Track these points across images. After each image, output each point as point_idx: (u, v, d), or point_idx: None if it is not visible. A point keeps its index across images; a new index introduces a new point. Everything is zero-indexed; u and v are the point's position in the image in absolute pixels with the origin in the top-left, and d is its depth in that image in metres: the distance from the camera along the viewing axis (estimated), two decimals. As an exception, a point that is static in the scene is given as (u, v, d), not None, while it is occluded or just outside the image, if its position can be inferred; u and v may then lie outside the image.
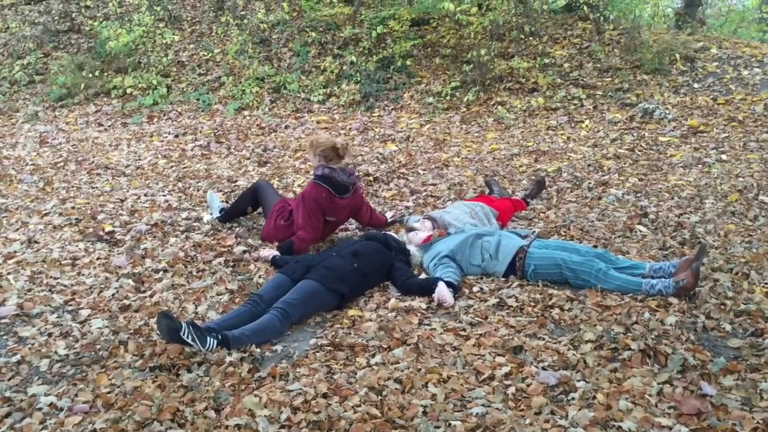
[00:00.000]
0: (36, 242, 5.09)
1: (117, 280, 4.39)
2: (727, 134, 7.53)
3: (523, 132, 8.29)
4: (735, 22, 14.02)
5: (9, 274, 4.45)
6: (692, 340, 3.39)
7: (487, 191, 5.99)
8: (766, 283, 4.01)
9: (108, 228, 5.30)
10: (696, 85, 8.99)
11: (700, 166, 6.63)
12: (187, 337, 3.32)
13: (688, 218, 5.22)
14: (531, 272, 4.19)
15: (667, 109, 8.36)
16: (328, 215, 4.82)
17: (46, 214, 5.73)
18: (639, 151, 7.27)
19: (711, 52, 9.74)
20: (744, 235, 4.85)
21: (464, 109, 9.28)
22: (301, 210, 4.76)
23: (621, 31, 10.48)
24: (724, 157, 6.84)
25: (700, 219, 5.20)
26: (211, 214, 5.53)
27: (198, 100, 10.02)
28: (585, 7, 10.31)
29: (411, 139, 8.20)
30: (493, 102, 9.31)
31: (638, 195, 5.86)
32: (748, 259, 4.35)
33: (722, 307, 3.73)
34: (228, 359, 3.29)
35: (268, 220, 5.08)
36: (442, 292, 3.95)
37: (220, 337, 3.40)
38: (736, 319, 3.60)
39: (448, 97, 9.57)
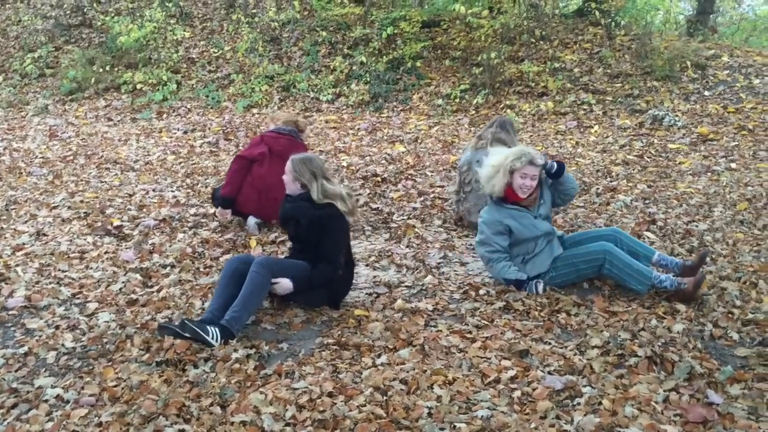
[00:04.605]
0: (44, 235, 5.11)
1: (124, 275, 4.41)
2: (736, 143, 7.51)
3: (531, 136, 8.28)
4: (747, 30, 13.98)
5: (17, 265, 4.47)
6: (699, 348, 3.38)
7: None
8: (774, 293, 4.00)
9: (116, 222, 5.32)
10: (706, 93, 8.96)
11: (709, 174, 6.61)
12: (190, 335, 3.40)
13: (697, 226, 5.21)
14: (549, 278, 4.16)
15: (676, 116, 8.34)
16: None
17: (54, 207, 5.75)
18: (648, 157, 7.25)
19: (722, 60, 9.71)
20: (753, 244, 4.83)
21: (473, 112, 9.28)
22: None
23: (632, 37, 10.46)
24: (733, 165, 6.82)
25: (709, 227, 5.18)
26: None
27: (207, 96, 10.04)
28: (596, 13, 10.30)
29: (419, 141, 8.20)
30: (502, 105, 9.30)
31: (647, 201, 5.85)
32: (757, 269, 4.33)
33: (730, 315, 3.72)
34: (234, 356, 3.29)
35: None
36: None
37: (219, 326, 3.46)
38: (744, 328, 3.59)
39: (457, 100, 9.57)
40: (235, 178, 5.24)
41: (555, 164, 4.14)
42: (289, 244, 5.01)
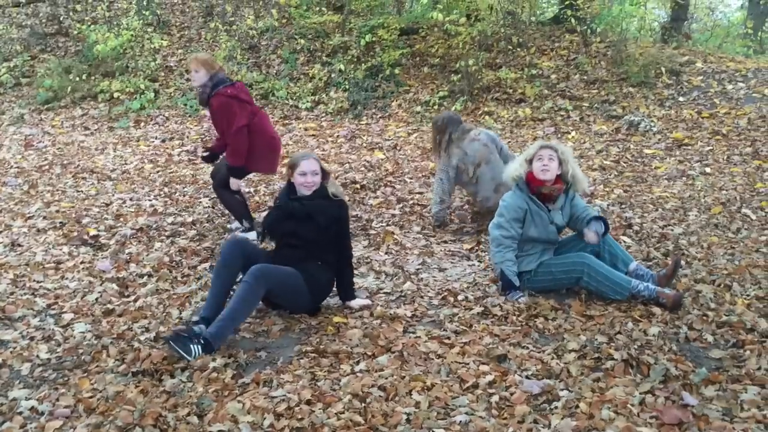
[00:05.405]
0: (19, 245, 5.05)
1: (101, 285, 4.37)
2: (711, 147, 7.61)
3: (509, 142, 8.32)
4: (720, 37, 14.18)
5: (-9, 277, 4.42)
6: (674, 351, 3.42)
7: None
8: (748, 295, 4.05)
9: (92, 232, 5.28)
10: (681, 99, 9.08)
11: (684, 178, 6.70)
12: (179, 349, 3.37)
13: (672, 230, 5.27)
14: (525, 280, 4.20)
15: (652, 121, 8.44)
16: None
17: (30, 218, 5.68)
18: (624, 162, 7.33)
19: (696, 66, 9.85)
20: (727, 247, 4.90)
21: (452, 119, 9.30)
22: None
23: (608, 43, 10.58)
24: (708, 170, 6.91)
25: (684, 231, 5.24)
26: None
27: (185, 105, 9.98)
28: (572, 20, 10.39)
29: (398, 148, 8.22)
30: (480, 112, 9.35)
31: (623, 206, 5.91)
32: (731, 271, 4.39)
33: (705, 318, 3.76)
34: (212, 365, 3.27)
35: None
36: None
37: (203, 342, 3.39)
38: (718, 330, 3.64)
39: (436, 107, 9.60)
40: (243, 147, 5.12)
41: (603, 226, 4.15)
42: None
